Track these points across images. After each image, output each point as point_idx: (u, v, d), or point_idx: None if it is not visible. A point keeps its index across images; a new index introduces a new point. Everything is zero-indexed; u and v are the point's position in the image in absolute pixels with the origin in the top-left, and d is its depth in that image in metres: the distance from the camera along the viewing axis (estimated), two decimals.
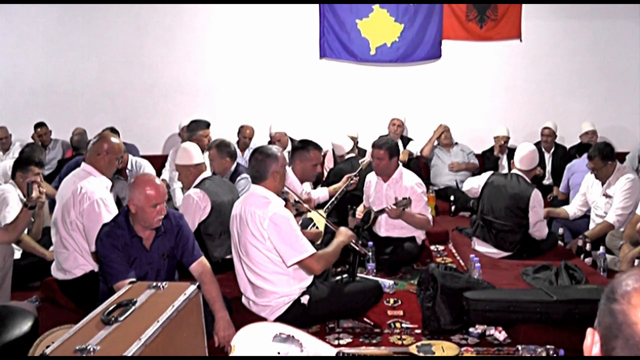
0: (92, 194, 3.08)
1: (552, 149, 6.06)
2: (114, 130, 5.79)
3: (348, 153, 5.07)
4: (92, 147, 3.28)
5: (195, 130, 5.09)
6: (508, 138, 6.19)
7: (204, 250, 2.96)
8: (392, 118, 6.29)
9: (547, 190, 5.58)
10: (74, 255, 3.18)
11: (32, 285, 3.68)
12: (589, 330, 0.93)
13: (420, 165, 6.25)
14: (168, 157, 5.73)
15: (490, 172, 4.31)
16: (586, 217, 4.51)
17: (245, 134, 6.14)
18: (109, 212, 3.06)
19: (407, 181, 4.06)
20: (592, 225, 4.34)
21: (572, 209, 4.54)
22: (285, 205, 2.98)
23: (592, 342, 0.91)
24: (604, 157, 4.17)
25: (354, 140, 5.50)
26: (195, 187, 3.63)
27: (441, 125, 6.22)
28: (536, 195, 3.90)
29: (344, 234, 3.07)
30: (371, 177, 4.28)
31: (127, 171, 4.83)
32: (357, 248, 3.19)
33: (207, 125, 5.11)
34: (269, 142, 6.32)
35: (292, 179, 4.03)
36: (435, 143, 6.30)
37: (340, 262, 3.99)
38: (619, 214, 4.06)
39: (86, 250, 3.16)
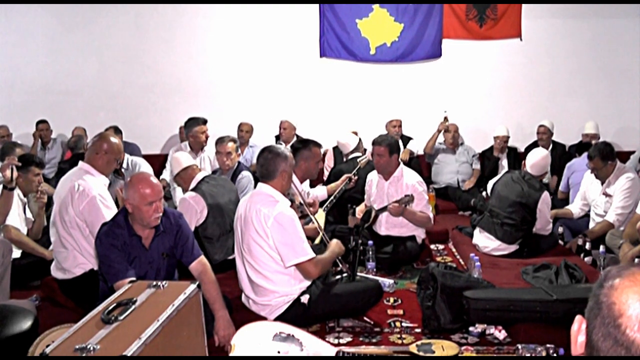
0: (89, 191, 3.09)
1: (550, 147, 6.05)
2: (117, 129, 5.83)
3: (353, 151, 5.06)
4: (91, 146, 3.28)
5: (191, 127, 5.10)
6: (508, 137, 6.19)
7: (203, 254, 2.95)
8: (390, 120, 6.29)
9: (549, 190, 5.58)
10: (73, 254, 3.18)
11: (32, 284, 3.68)
12: (578, 317, 0.96)
13: (422, 164, 6.24)
14: (168, 157, 5.72)
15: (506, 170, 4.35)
16: (586, 216, 4.51)
17: (243, 129, 6.14)
18: (108, 207, 3.08)
19: (408, 179, 4.06)
20: (592, 224, 4.34)
21: (576, 208, 4.56)
22: (291, 206, 2.99)
23: (578, 329, 0.95)
24: (603, 157, 4.17)
25: (355, 134, 5.49)
26: (192, 190, 3.63)
27: (444, 120, 6.07)
28: (545, 197, 3.93)
29: (338, 246, 3.14)
30: (372, 176, 4.29)
31: (122, 170, 4.82)
32: (340, 265, 3.36)
33: (204, 121, 5.11)
34: (277, 138, 6.32)
35: (294, 179, 4.03)
36: (442, 140, 6.28)
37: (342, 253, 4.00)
38: (619, 213, 4.06)
39: (85, 249, 3.16)
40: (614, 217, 4.07)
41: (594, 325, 0.89)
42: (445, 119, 6.04)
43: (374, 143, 4.09)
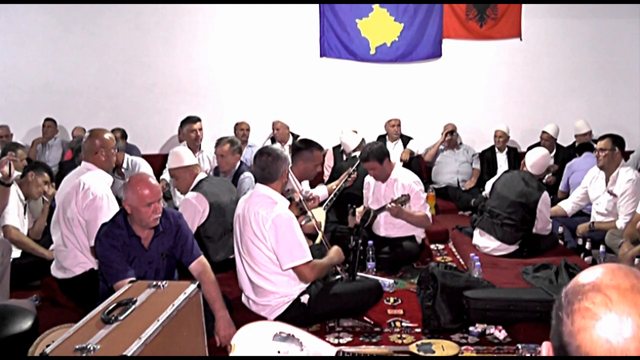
0: (95, 190, 3.09)
1: (554, 151, 6.04)
2: (123, 133, 5.86)
3: (355, 150, 5.06)
4: (86, 148, 3.28)
5: (184, 126, 5.14)
6: (508, 137, 6.20)
7: (204, 253, 2.95)
8: (389, 119, 6.29)
9: (549, 190, 5.56)
10: (73, 252, 3.17)
11: (32, 284, 3.68)
12: (546, 344, 0.92)
13: (422, 164, 6.25)
14: (168, 157, 5.71)
15: (505, 170, 4.32)
16: (585, 215, 4.49)
17: (242, 127, 6.13)
18: (111, 209, 3.07)
19: (405, 179, 4.06)
20: None
21: (569, 205, 4.52)
22: (290, 205, 2.98)
23: (547, 355, 0.92)
24: (615, 140, 4.17)
25: (355, 132, 5.50)
26: (192, 190, 3.62)
27: (447, 130, 6.12)
28: (545, 197, 3.92)
29: (338, 255, 3.11)
30: (369, 179, 4.28)
31: (122, 170, 4.82)
32: (340, 271, 3.35)
33: (196, 119, 5.11)
34: (272, 139, 6.32)
35: (291, 178, 4.02)
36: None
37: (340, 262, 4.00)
38: (628, 221, 3.99)
39: (86, 247, 3.16)
40: (622, 222, 3.99)
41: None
42: (451, 132, 6.07)
43: (362, 160, 4.08)
